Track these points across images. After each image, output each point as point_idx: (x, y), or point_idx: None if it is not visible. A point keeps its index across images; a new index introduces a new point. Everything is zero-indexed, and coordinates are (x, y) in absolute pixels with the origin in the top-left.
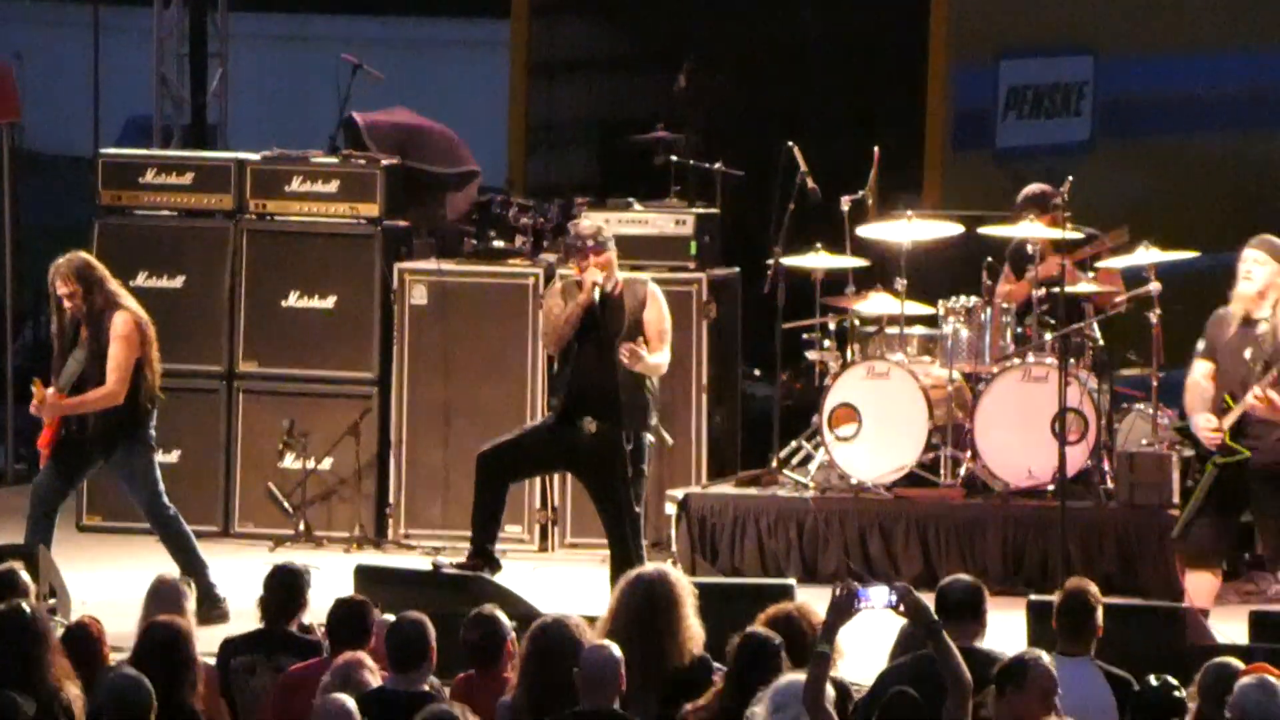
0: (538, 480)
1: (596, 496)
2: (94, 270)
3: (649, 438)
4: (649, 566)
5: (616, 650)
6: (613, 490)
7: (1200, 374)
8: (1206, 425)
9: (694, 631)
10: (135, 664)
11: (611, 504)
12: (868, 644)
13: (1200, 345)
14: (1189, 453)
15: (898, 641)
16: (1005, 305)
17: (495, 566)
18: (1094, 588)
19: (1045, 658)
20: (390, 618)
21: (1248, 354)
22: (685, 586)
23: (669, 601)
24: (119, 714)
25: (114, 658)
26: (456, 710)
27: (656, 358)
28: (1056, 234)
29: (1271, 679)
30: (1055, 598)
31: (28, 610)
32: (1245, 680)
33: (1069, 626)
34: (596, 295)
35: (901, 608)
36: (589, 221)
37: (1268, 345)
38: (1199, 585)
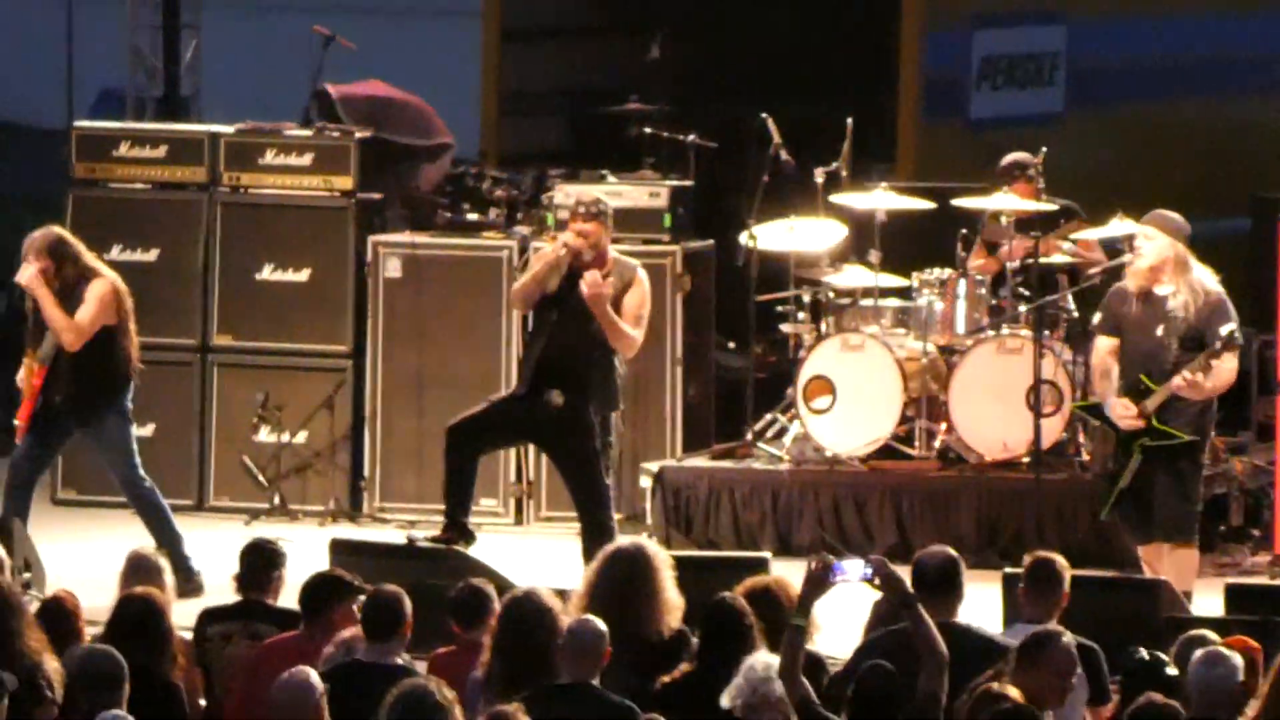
0: (513, 453)
1: (563, 469)
2: (67, 245)
3: (615, 413)
4: (626, 540)
5: (601, 625)
6: (579, 463)
7: (1105, 350)
8: (1125, 412)
9: (672, 604)
10: (110, 638)
11: (578, 476)
12: (843, 617)
13: (1098, 319)
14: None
15: (872, 614)
16: (979, 277)
17: (469, 539)
18: (1061, 559)
19: (1067, 635)
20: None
21: (1159, 330)
22: (663, 559)
23: (646, 574)
24: (90, 687)
25: (90, 632)
26: (432, 684)
27: (628, 329)
28: (1031, 205)
29: (1221, 649)
30: (1023, 566)
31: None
32: (1196, 653)
33: (1034, 594)
34: (563, 254)
35: (876, 581)
36: (589, 189)
37: (1181, 322)
38: (1154, 559)
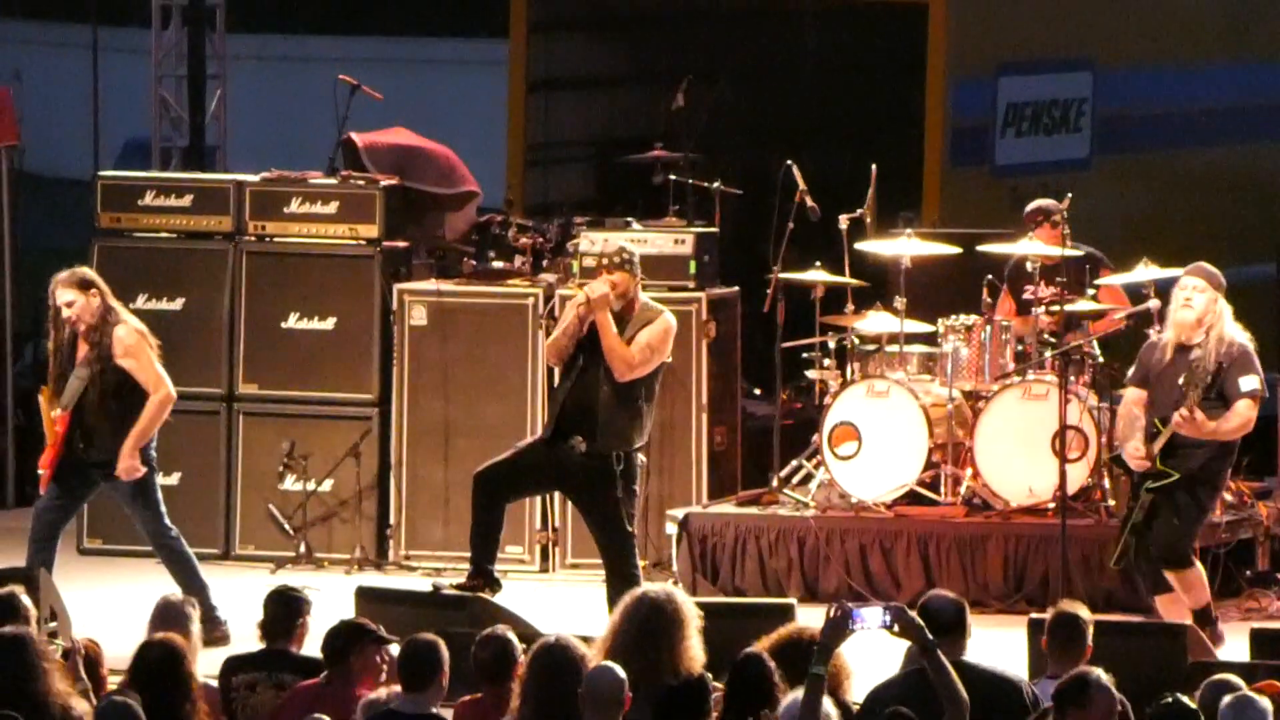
0: (538, 501)
1: (588, 516)
2: (95, 281)
3: (640, 458)
4: (655, 586)
5: (621, 671)
6: (602, 512)
7: (1132, 400)
8: (1135, 453)
9: (694, 653)
10: (131, 685)
11: (602, 526)
12: (873, 664)
13: (1131, 372)
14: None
15: (905, 661)
16: (1005, 323)
17: (495, 586)
18: (1084, 609)
19: (1104, 676)
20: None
21: (1181, 379)
22: (690, 609)
23: (672, 621)
24: None
25: (113, 681)
26: None
27: (622, 347)
28: (1056, 251)
29: (1250, 694)
30: (1046, 617)
31: (22, 633)
32: (1225, 699)
33: (1058, 646)
34: (580, 301)
35: (896, 628)
36: (614, 236)
37: (1200, 370)
38: (1169, 607)
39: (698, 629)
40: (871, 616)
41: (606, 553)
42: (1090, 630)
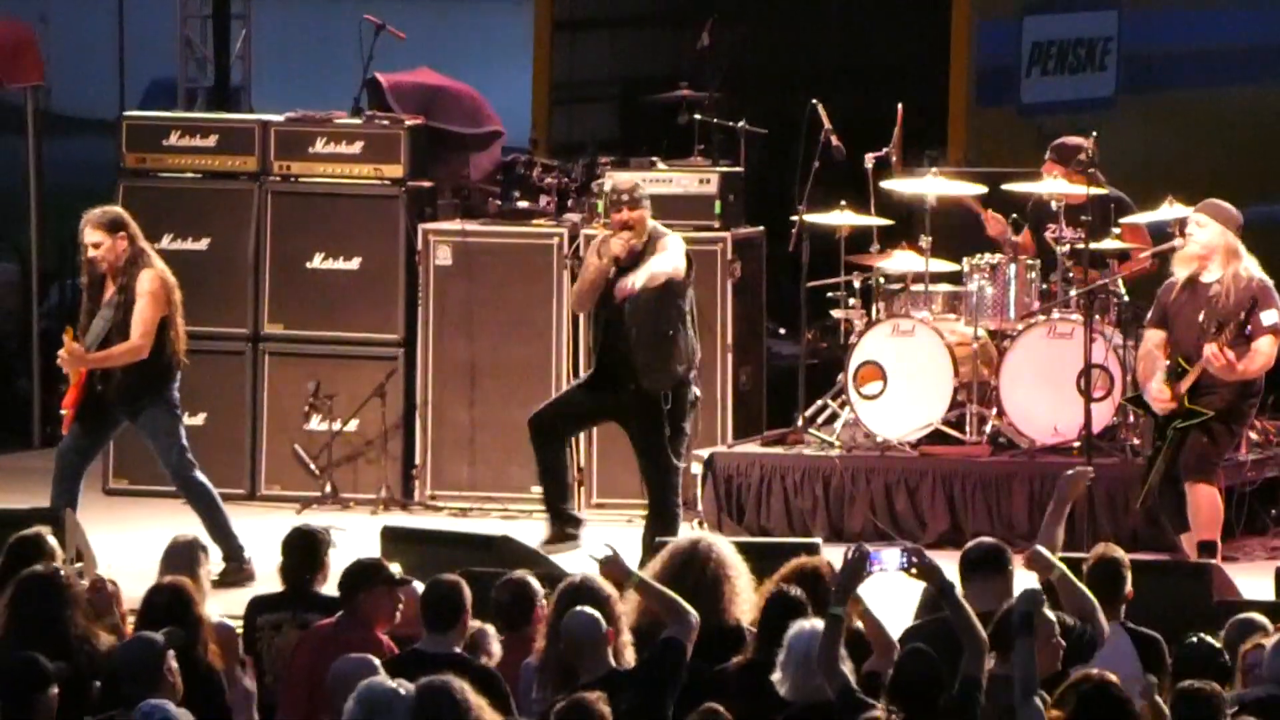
0: None
1: (636, 449)
2: (126, 224)
3: (692, 392)
4: (704, 537)
5: (596, 612)
6: (650, 446)
7: (1153, 343)
8: (1160, 395)
9: (742, 602)
10: (141, 628)
11: (648, 459)
12: (891, 606)
13: (1151, 313)
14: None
15: (921, 603)
16: (1030, 262)
17: (576, 524)
18: (1122, 553)
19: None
20: (419, 586)
21: (1201, 316)
22: (732, 559)
23: (716, 577)
24: (131, 677)
25: (132, 620)
26: (455, 684)
27: (650, 268)
28: (1080, 190)
29: None
30: (1086, 562)
31: (54, 571)
32: (1271, 639)
33: (1100, 592)
34: (608, 262)
35: (913, 570)
36: (627, 176)
37: (1221, 306)
38: (1194, 546)
39: (744, 579)
40: (890, 558)
41: (649, 488)
42: (1129, 576)
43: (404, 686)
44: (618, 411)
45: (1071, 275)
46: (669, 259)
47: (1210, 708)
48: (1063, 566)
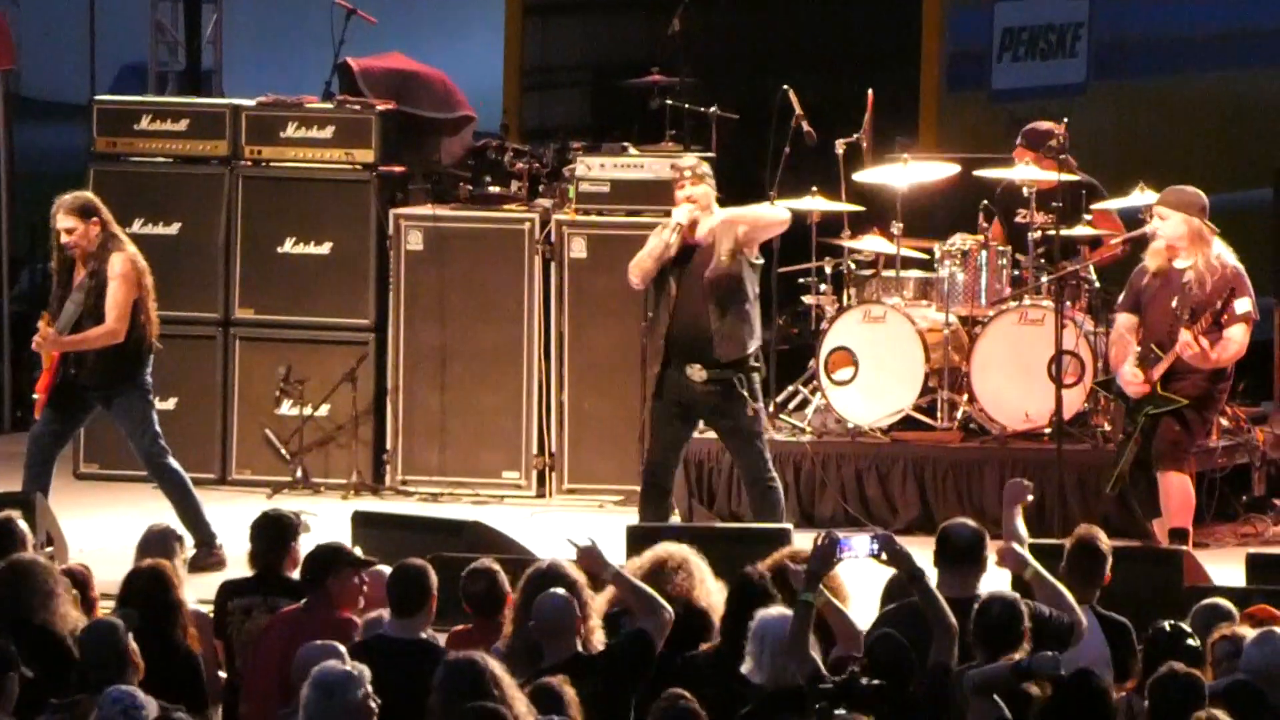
0: (535, 425)
1: (723, 438)
2: (98, 209)
3: (759, 372)
4: (673, 548)
5: (566, 594)
6: (737, 431)
7: (1125, 327)
8: (1133, 379)
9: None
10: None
11: (738, 444)
12: (858, 591)
13: (1122, 298)
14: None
15: (886, 589)
16: (1001, 248)
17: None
18: (1104, 536)
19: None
20: (387, 569)
21: (1174, 303)
22: (698, 563)
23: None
24: (98, 663)
25: (105, 605)
26: (478, 656)
27: (756, 210)
28: (1052, 176)
29: (1274, 629)
30: (1066, 543)
31: (32, 559)
32: (1251, 636)
33: (1079, 575)
34: (673, 235)
35: (883, 556)
36: (690, 156)
37: (1195, 293)
38: (1165, 532)
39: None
40: (859, 545)
41: (744, 469)
42: (1109, 560)
43: (357, 668)
44: (695, 409)
45: (1043, 261)
46: (777, 211)
47: (1191, 693)
48: (1036, 564)
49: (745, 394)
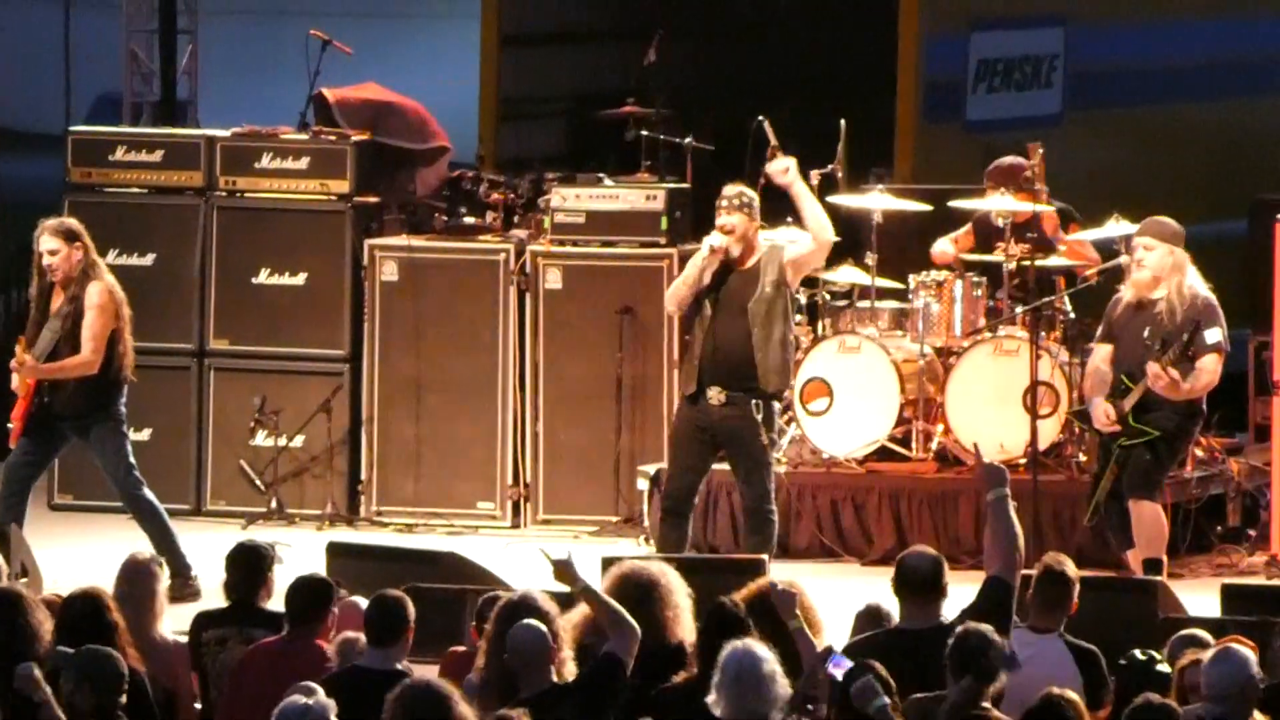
0: (510, 455)
1: (734, 463)
2: (81, 235)
3: (777, 404)
4: (650, 565)
5: (542, 626)
6: (749, 457)
7: (1100, 358)
8: (1106, 417)
9: (684, 624)
10: (61, 639)
11: (747, 470)
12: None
13: (1100, 329)
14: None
15: (856, 620)
16: (975, 279)
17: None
18: (1071, 564)
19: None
20: (360, 600)
21: (1146, 333)
22: (678, 583)
23: (663, 599)
24: (94, 688)
25: None
26: (431, 679)
27: (807, 231)
28: (1027, 206)
29: (1234, 646)
30: (1033, 571)
31: (16, 590)
32: (1208, 654)
33: (1044, 602)
34: (705, 253)
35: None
36: (734, 186)
37: (1166, 323)
38: (1139, 566)
39: (687, 602)
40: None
41: (747, 495)
42: (1076, 587)
43: (316, 699)
44: (713, 436)
45: (1017, 283)
46: (824, 236)
47: None
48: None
49: (759, 419)
